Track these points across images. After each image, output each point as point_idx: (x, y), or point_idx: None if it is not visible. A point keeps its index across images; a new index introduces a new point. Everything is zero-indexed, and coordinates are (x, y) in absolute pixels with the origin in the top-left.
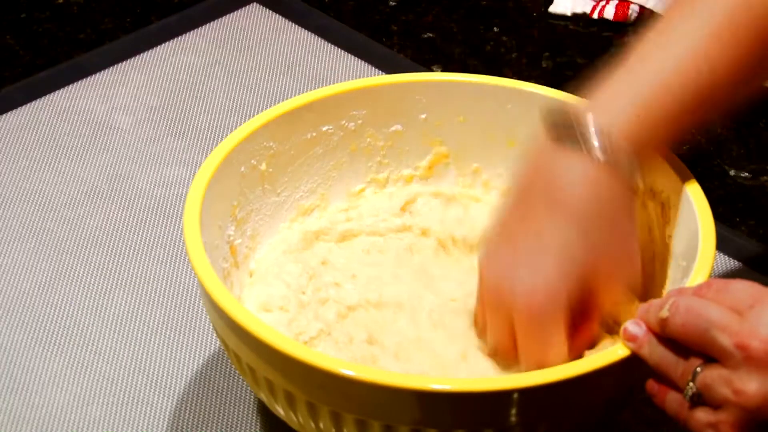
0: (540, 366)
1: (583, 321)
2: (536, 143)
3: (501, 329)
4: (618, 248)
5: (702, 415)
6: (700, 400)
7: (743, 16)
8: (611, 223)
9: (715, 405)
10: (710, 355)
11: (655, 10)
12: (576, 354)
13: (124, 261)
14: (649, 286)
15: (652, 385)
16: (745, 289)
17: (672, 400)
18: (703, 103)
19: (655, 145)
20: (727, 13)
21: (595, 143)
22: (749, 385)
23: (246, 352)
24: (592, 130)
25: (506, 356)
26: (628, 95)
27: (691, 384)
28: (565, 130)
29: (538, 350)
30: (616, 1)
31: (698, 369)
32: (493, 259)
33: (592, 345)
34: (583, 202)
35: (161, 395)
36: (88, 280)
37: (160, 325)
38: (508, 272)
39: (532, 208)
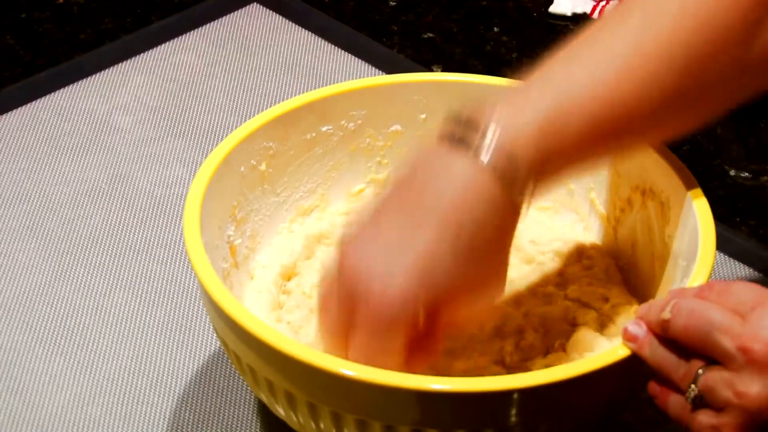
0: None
1: (427, 337)
2: (432, 139)
3: (340, 317)
4: (486, 266)
5: (704, 417)
6: (702, 402)
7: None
8: (485, 238)
9: (718, 407)
10: (712, 358)
11: None
12: (410, 368)
13: (124, 261)
14: (648, 286)
15: (654, 387)
16: (746, 291)
17: (674, 402)
18: (620, 127)
19: (557, 164)
20: (658, 27)
21: (487, 150)
22: (751, 388)
23: (246, 353)
24: (489, 135)
25: (334, 346)
26: (537, 105)
27: (693, 386)
28: (462, 130)
29: (371, 350)
30: (616, 1)
31: (700, 371)
32: (356, 244)
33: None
34: (460, 211)
35: (161, 395)
36: (88, 280)
37: (160, 325)
38: (369, 262)
39: (407, 203)
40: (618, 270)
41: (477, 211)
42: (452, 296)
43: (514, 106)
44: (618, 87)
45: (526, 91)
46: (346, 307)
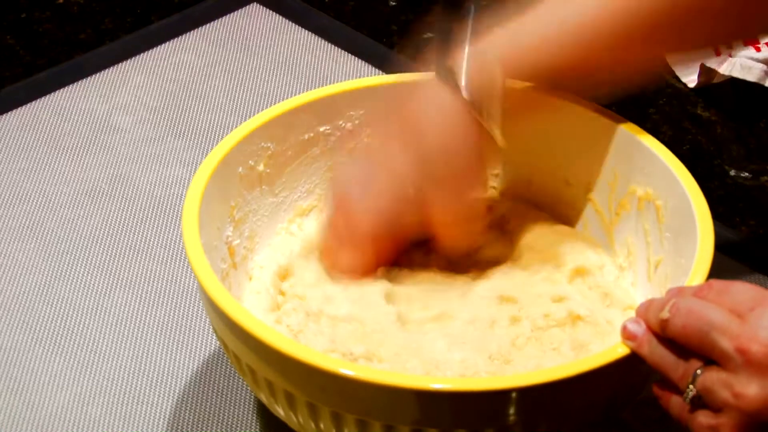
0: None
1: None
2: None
3: (332, 235)
4: (455, 166)
5: (703, 418)
6: (700, 402)
7: None
8: (447, 138)
9: (716, 408)
10: (710, 358)
11: None
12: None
13: (124, 261)
14: (647, 285)
15: (657, 387)
16: (745, 291)
17: (675, 403)
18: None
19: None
20: None
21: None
22: (749, 389)
23: (246, 353)
24: (463, 56)
25: (326, 258)
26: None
27: (691, 386)
28: (438, 58)
29: (337, 254)
30: None
31: (698, 371)
32: (343, 170)
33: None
34: (419, 121)
35: (161, 395)
36: (88, 280)
37: (160, 325)
38: (349, 183)
39: (389, 132)
40: (615, 267)
41: (433, 117)
42: (429, 204)
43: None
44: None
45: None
46: (334, 227)
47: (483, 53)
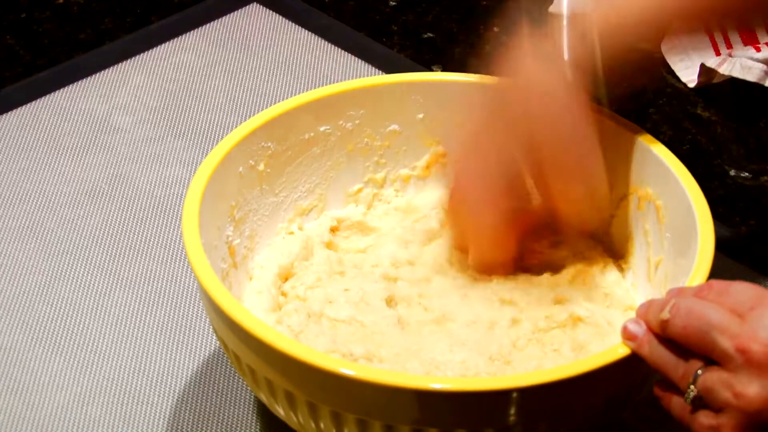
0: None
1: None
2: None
3: (460, 224)
4: (572, 154)
5: (704, 418)
6: (701, 403)
7: None
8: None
9: (716, 408)
10: (711, 358)
11: None
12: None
13: (124, 261)
14: (647, 285)
15: (658, 388)
16: (745, 290)
17: (676, 403)
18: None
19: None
20: None
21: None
22: (750, 389)
23: (246, 353)
24: (564, 24)
25: (460, 247)
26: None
27: (692, 387)
28: (538, 27)
29: (470, 233)
30: None
31: (699, 372)
32: (464, 161)
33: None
34: (538, 117)
35: (161, 395)
36: (88, 280)
37: (160, 325)
38: (473, 184)
39: (496, 114)
40: (616, 268)
41: (542, 106)
42: (544, 176)
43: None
44: None
45: None
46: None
47: (581, 18)
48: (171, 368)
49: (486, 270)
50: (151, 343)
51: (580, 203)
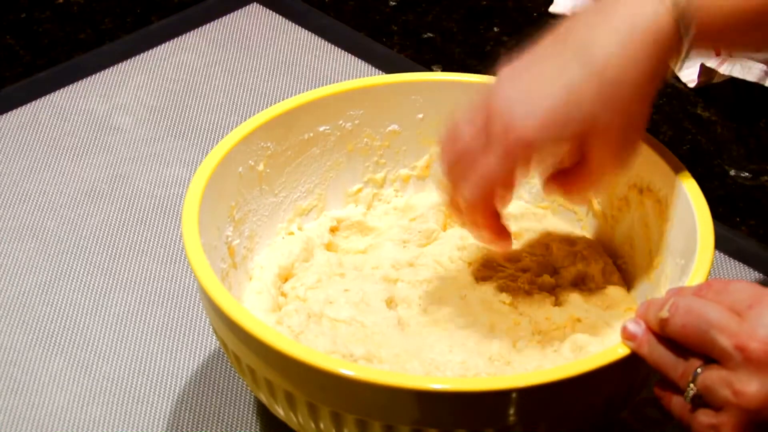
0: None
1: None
2: None
3: (472, 142)
4: (626, 116)
5: (704, 417)
6: (700, 401)
7: None
8: (631, 86)
9: (716, 406)
10: (710, 356)
11: None
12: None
13: (124, 261)
14: (647, 285)
15: (657, 387)
16: (744, 289)
17: (676, 402)
18: None
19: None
20: None
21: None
22: (749, 387)
23: (245, 353)
24: None
25: (454, 175)
26: None
27: (691, 385)
28: None
29: (476, 163)
30: None
31: (698, 370)
32: (505, 82)
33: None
34: (614, 66)
35: (161, 395)
36: (88, 280)
37: (160, 325)
38: (514, 97)
39: (562, 50)
40: (616, 269)
41: (630, 59)
42: (589, 137)
43: None
44: None
45: None
46: (481, 135)
47: None
48: (171, 368)
49: (479, 229)
50: (151, 343)
51: (603, 171)
